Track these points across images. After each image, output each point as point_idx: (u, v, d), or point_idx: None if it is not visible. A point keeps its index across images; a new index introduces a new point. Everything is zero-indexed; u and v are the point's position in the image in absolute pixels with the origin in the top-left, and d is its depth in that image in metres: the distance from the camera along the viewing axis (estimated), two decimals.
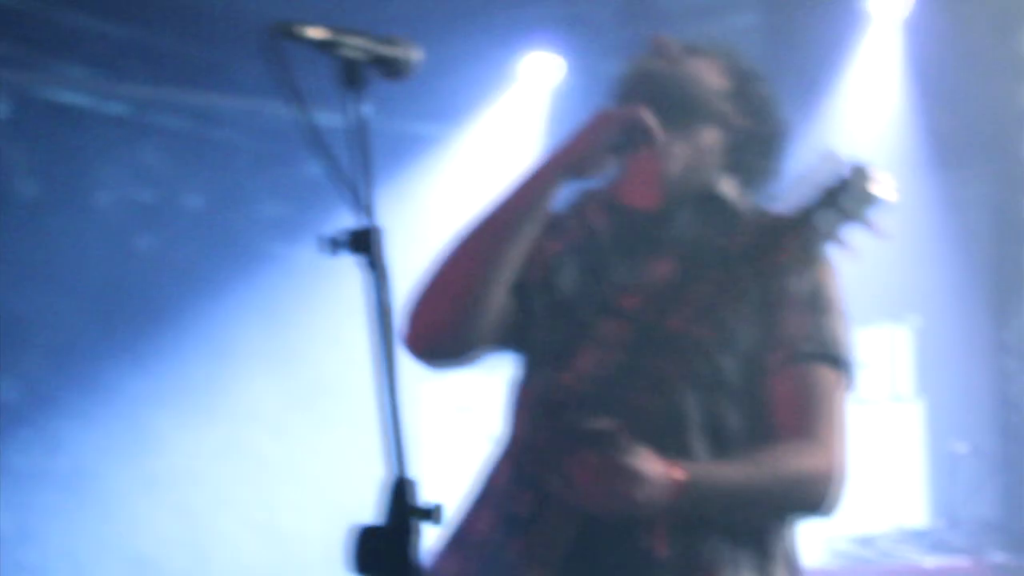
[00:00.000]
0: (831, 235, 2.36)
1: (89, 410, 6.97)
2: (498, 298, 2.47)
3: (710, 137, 2.56)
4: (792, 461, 2.42)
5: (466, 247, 2.49)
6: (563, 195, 2.55)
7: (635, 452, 2.29)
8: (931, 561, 5.67)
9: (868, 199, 2.38)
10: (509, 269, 2.47)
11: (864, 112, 6.65)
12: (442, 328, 2.49)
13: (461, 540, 2.47)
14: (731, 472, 2.39)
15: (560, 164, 2.49)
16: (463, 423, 7.87)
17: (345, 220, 1.96)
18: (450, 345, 2.52)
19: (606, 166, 2.51)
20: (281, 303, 7.50)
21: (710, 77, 2.59)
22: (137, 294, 7.18)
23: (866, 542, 5.84)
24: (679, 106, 2.52)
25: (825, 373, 2.47)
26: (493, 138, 7.33)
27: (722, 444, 2.44)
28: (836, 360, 2.48)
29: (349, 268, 1.96)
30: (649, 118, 2.47)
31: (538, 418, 2.48)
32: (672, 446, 2.37)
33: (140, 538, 7.03)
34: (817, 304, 2.50)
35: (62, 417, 6.90)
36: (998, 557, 5.60)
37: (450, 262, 2.49)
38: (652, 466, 2.29)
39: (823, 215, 2.36)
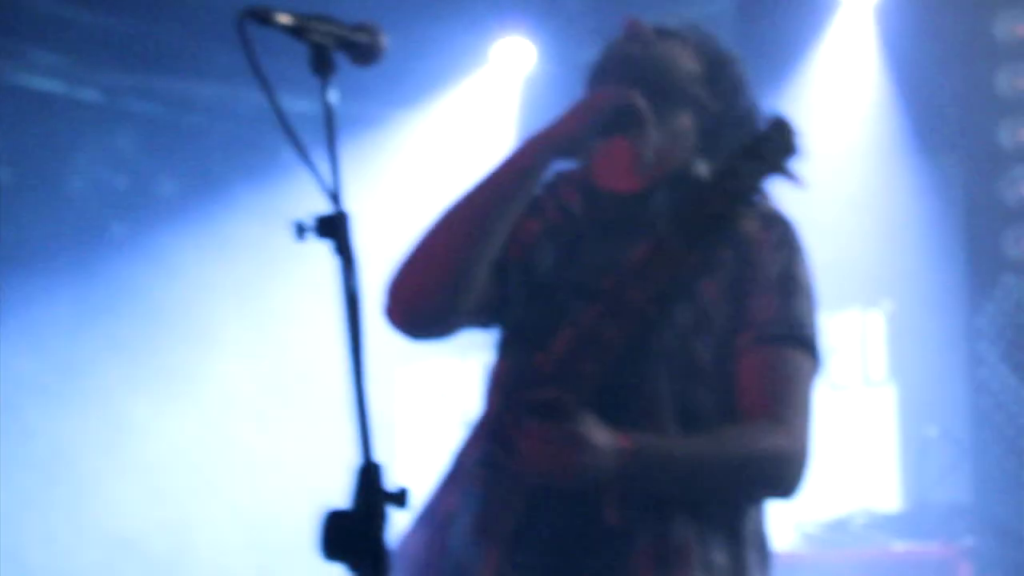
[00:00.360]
0: (754, 187, 2.37)
1: (65, 395, 6.98)
2: (481, 274, 2.48)
3: (684, 121, 2.57)
4: (751, 440, 2.42)
5: (452, 220, 2.49)
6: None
7: (580, 420, 2.30)
8: (902, 545, 5.69)
9: (787, 150, 2.38)
10: (493, 245, 2.48)
11: (837, 97, 6.67)
12: (423, 301, 2.49)
13: (428, 518, 2.49)
14: (682, 445, 2.40)
15: (550, 141, 2.49)
16: (439, 407, 7.88)
17: (320, 205, 1.97)
18: (431, 318, 2.52)
19: (593, 146, 2.53)
20: (257, 288, 7.51)
21: (684, 61, 2.60)
22: (112, 279, 7.18)
23: (837, 526, 5.86)
24: (654, 90, 2.52)
25: (792, 355, 2.48)
26: (464, 122, 7.33)
27: (695, 426, 2.45)
28: (804, 342, 2.49)
29: (326, 253, 1.97)
30: (641, 102, 2.49)
31: (508, 397, 2.49)
32: (645, 428, 2.39)
33: (119, 523, 7.04)
34: (787, 286, 2.51)
35: (38, 402, 6.90)
36: (969, 541, 5.63)
37: (435, 235, 2.49)
38: (597, 434, 2.30)
39: (745, 168, 2.37)
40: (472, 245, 2.46)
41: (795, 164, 2.40)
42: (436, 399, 7.93)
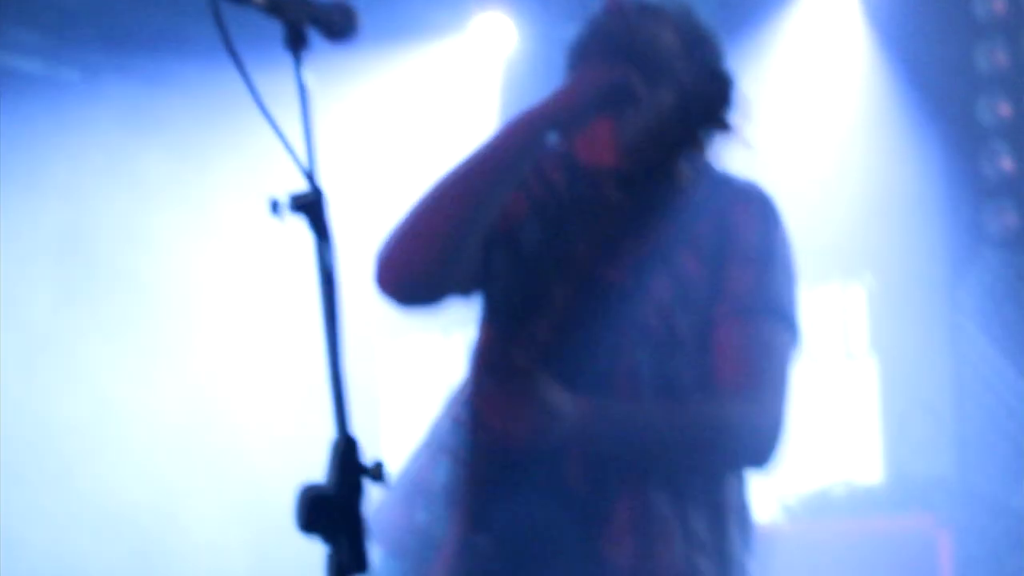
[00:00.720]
0: (690, 138, 2.36)
1: (50, 373, 6.97)
2: (473, 246, 2.49)
3: (665, 97, 2.57)
4: (719, 409, 2.44)
5: (447, 192, 2.50)
6: None
7: (539, 381, 2.31)
8: (883, 517, 5.70)
9: (722, 101, 2.36)
10: (487, 218, 2.49)
11: (818, 72, 6.67)
12: (416, 271, 2.51)
13: (403, 488, 2.51)
14: (646, 411, 2.42)
15: (546, 116, 2.50)
16: (422, 382, 7.89)
17: (300, 184, 1.98)
18: (422, 288, 2.54)
19: (587, 123, 2.53)
20: (241, 264, 7.50)
21: (664, 37, 2.60)
22: (95, 257, 7.17)
23: (818, 498, 5.88)
24: (636, 67, 2.53)
25: (769, 327, 2.50)
26: (442, 96, 7.31)
27: (675, 400, 2.46)
28: (781, 315, 2.51)
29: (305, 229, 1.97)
30: (636, 80, 2.49)
31: (487, 371, 2.50)
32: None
33: (106, 500, 7.04)
34: (765, 259, 2.53)
35: (23, 380, 6.89)
36: (950, 513, 5.64)
37: (428, 206, 2.50)
38: (554, 394, 2.32)
39: (680, 120, 2.35)
40: (466, 217, 2.47)
41: (734, 119, 2.38)
42: (419, 374, 7.93)
